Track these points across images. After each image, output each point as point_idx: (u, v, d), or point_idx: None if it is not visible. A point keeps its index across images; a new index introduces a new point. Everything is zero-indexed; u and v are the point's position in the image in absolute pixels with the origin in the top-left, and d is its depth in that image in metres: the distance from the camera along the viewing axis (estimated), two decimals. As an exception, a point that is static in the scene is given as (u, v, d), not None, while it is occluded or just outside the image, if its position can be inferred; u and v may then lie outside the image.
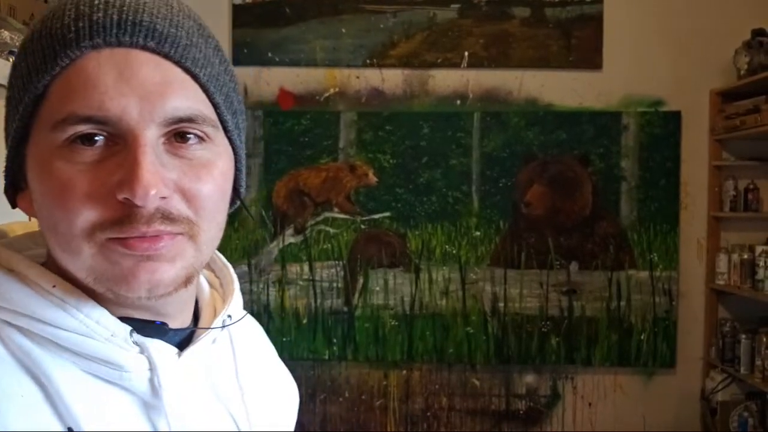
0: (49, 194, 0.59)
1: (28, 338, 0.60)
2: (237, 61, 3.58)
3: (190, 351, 0.67)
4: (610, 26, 3.53)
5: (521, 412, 3.61)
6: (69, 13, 0.59)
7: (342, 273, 3.59)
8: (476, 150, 3.56)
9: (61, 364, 0.60)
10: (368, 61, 3.59)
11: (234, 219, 3.55)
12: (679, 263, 3.53)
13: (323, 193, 3.58)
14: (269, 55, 3.58)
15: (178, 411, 0.63)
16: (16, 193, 0.65)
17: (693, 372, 3.56)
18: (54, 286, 0.61)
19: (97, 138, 0.58)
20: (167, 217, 0.59)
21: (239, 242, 3.57)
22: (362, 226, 3.58)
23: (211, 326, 0.70)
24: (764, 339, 3.11)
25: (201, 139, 0.62)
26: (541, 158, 3.53)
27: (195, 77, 0.61)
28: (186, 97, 0.60)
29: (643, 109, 3.53)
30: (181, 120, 0.60)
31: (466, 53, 3.57)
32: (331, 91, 3.61)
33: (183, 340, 0.68)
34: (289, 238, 3.60)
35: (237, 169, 0.68)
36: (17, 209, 0.67)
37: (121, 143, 0.58)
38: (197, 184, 0.61)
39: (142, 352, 0.63)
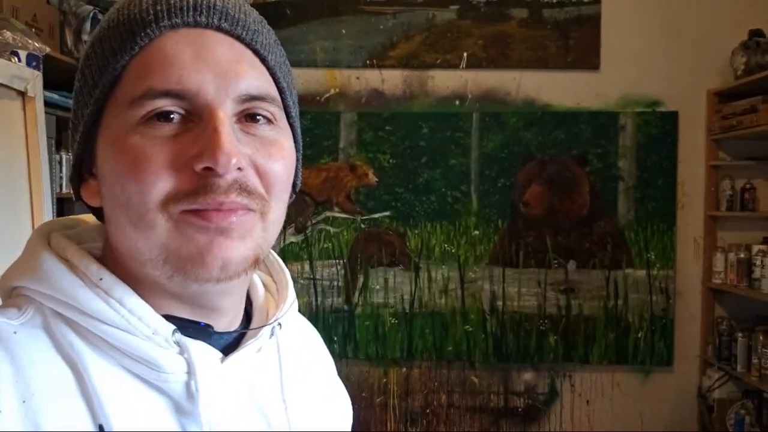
0: (123, 169, 0.59)
1: (72, 329, 0.60)
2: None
3: (234, 357, 0.64)
4: (608, 27, 3.55)
5: (520, 409, 3.63)
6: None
7: (342, 272, 3.61)
8: (475, 150, 3.58)
9: (100, 357, 0.60)
10: (368, 61, 3.62)
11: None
12: (676, 262, 3.55)
13: (324, 192, 3.61)
14: (270, 55, 3.60)
15: (214, 419, 0.60)
16: (80, 185, 0.66)
17: (690, 370, 3.58)
18: (101, 279, 0.61)
19: (173, 115, 0.59)
20: (244, 189, 0.59)
21: (240, 241, 3.59)
22: (362, 226, 3.61)
23: (259, 333, 0.67)
24: (761, 337, 3.14)
25: (269, 120, 0.63)
26: (539, 158, 3.55)
27: (263, 60, 0.63)
28: (257, 77, 0.62)
29: (640, 110, 3.55)
30: (253, 98, 0.61)
31: (465, 54, 3.60)
32: (332, 91, 3.64)
33: (228, 345, 0.66)
34: (290, 237, 3.62)
35: (296, 159, 0.68)
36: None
37: (196, 120, 0.59)
38: (269, 160, 0.62)
39: (182, 353, 0.61)
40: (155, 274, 0.60)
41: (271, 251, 0.74)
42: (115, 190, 0.60)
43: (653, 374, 3.59)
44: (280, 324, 0.69)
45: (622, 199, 3.55)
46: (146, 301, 0.61)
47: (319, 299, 3.61)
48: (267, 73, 0.63)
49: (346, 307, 3.61)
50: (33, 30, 2.34)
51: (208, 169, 0.57)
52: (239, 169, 0.59)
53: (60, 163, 2.51)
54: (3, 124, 2.00)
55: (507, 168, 3.57)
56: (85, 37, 2.59)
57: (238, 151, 0.58)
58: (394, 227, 3.60)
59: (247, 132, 0.61)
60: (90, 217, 0.70)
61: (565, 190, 3.55)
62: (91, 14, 2.61)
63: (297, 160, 0.68)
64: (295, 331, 0.76)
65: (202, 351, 0.61)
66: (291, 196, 0.69)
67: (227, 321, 0.66)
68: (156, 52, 0.59)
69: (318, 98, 3.63)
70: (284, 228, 3.56)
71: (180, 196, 0.58)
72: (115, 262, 0.63)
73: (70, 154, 0.65)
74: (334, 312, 3.61)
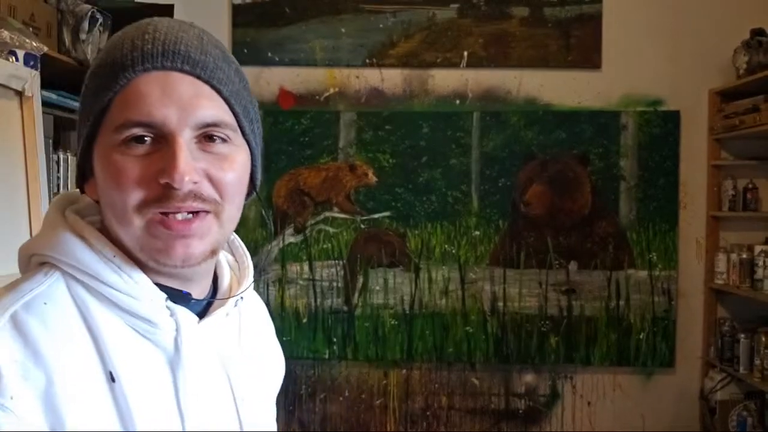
0: (109, 179, 0.77)
1: (89, 293, 0.78)
2: (237, 60, 3.58)
3: (207, 320, 0.84)
4: (609, 26, 3.54)
5: (520, 411, 3.62)
6: (126, 45, 0.77)
7: (342, 272, 3.60)
8: (476, 149, 3.56)
9: (110, 317, 0.78)
10: (368, 60, 3.60)
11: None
12: (678, 263, 3.53)
13: (323, 192, 3.59)
14: (269, 54, 3.59)
15: (192, 368, 0.80)
16: (84, 182, 0.84)
17: (692, 371, 3.57)
18: (114, 256, 0.79)
19: (146, 138, 0.76)
20: (198, 196, 0.77)
21: (239, 242, 3.57)
22: (362, 226, 3.59)
23: (225, 303, 0.88)
24: (763, 338, 3.12)
25: (224, 139, 0.79)
26: (541, 158, 3.54)
27: (219, 92, 0.79)
28: (212, 108, 0.78)
29: (642, 109, 3.53)
30: (208, 125, 0.78)
31: (466, 53, 3.58)
32: (331, 90, 3.62)
33: (201, 312, 0.85)
34: (289, 237, 3.60)
35: (253, 165, 0.86)
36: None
37: (163, 142, 0.76)
38: (221, 172, 0.78)
39: (171, 315, 0.80)
40: (138, 256, 0.79)
41: (237, 237, 0.94)
42: (104, 194, 0.79)
43: (655, 375, 3.57)
44: (242, 297, 0.90)
45: (623, 199, 3.54)
46: (143, 271, 0.79)
47: (319, 300, 3.59)
48: (223, 102, 0.79)
49: (345, 308, 3.59)
50: (30, 29, 2.31)
51: (168, 183, 0.74)
52: (195, 182, 0.76)
53: (57, 162, 2.48)
54: (0, 124, 1.99)
55: (508, 168, 3.55)
56: (83, 36, 2.57)
57: (192, 170, 0.75)
58: (394, 227, 3.58)
59: (204, 150, 0.78)
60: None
61: (567, 190, 3.53)
62: (89, 13, 2.58)
63: (255, 165, 0.86)
64: (251, 303, 0.98)
65: (184, 314, 0.81)
66: (251, 194, 0.89)
67: (200, 290, 0.86)
68: (133, 91, 0.76)
69: (317, 97, 3.62)
70: (283, 228, 3.56)
71: (149, 201, 0.76)
72: (113, 240, 0.80)
73: (76, 154, 0.86)
74: (333, 313, 3.59)
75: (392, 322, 3.58)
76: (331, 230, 3.60)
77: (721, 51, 3.43)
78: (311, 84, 3.62)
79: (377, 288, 3.59)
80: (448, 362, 3.60)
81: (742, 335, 3.26)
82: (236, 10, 3.59)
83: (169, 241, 0.76)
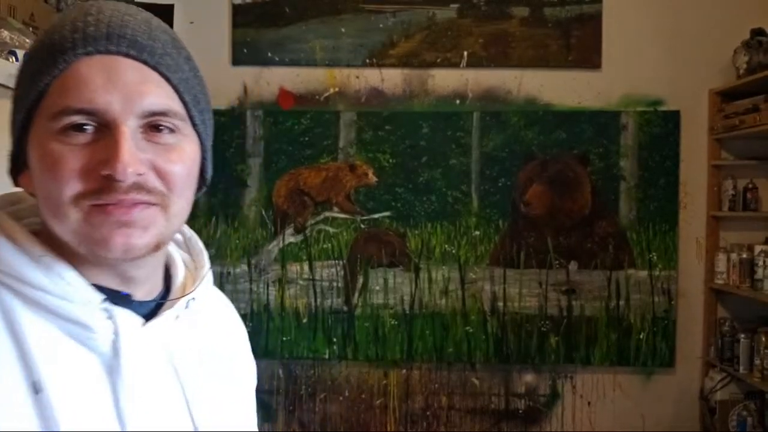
0: (45, 169, 0.71)
1: (16, 297, 0.72)
2: (237, 60, 3.59)
3: (153, 323, 0.78)
4: (609, 26, 3.54)
5: (521, 411, 3.62)
6: (67, 27, 0.72)
7: (342, 272, 3.60)
8: (476, 149, 3.56)
9: (40, 322, 0.72)
10: (368, 60, 3.60)
11: (234, 219, 3.56)
12: (678, 263, 3.53)
13: (323, 192, 3.59)
14: (269, 54, 3.59)
15: (134, 372, 0.74)
16: (18, 174, 0.78)
17: (692, 371, 3.57)
18: (42, 256, 0.73)
19: (86, 127, 0.71)
20: (143, 188, 0.72)
21: (239, 242, 3.58)
22: (362, 226, 3.59)
23: (176, 304, 0.81)
24: (763, 338, 3.12)
25: (171, 130, 0.75)
26: (541, 158, 3.54)
27: (168, 80, 0.74)
28: (160, 96, 0.73)
29: (642, 109, 3.53)
30: (155, 113, 0.73)
31: (466, 53, 3.58)
32: (331, 90, 3.62)
33: (150, 313, 0.80)
34: (289, 237, 3.61)
35: (203, 158, 0.81)
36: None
37: (106, 131, 0.70)
38: (168, 164, 0.74)
39: (109, 317, 0.74)
40: (78, 250, 0.73)
41: (194, 234, 0.90)
42: (40, 186, 0.73)
43: (655, 375, 3.57)
44: (194, 298, 0.83)
45: (623, 199, 3.54)
46: (80, 271, 0.74)
47: (319, 300, 3.59)
48: (171, 90, 0.75)
49: (345, 308, 3.59)
50: (30, 29, 2.32)
51: (109, 174, 0.69)
52: (139, 174, 0.71)
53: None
54: (1, 124, 1.98)
55: (508, 168, 3.55)
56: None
57: (136, 161, 0.70)
58: (394, 227, 3.58)
59: (150, 140, 0.73)
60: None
61: (567, 190, 3.53)
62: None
63: (205, 158, 0.81)
64: (211, 304, 0.91)
65: (125, 316, 0.75)
66: (201, 189, 0.83)
67: (145, 290, 0.80)
68: (72, 75, 0.71)
69: (317, 97, 3.62)
70: (283, 228, 3.56)
71: (88, 194, 0.70)
72: (52, 237, 0.74)
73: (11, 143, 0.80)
74: (333, 313, 3.59)
75: (392, 322, 3.58)
76: (331, 230, 3.60)
77: (721, 51, 3.43)
78: (311, 84, 3.62)
79: (377, 288, 3.59)
80: (448, 362, 3.60)
81: (742, 335, 3.26)
82: (236, 10, 3.59)
83: (109, 229, 0.71)
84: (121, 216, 0.71)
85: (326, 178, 3.59)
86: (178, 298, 0.82)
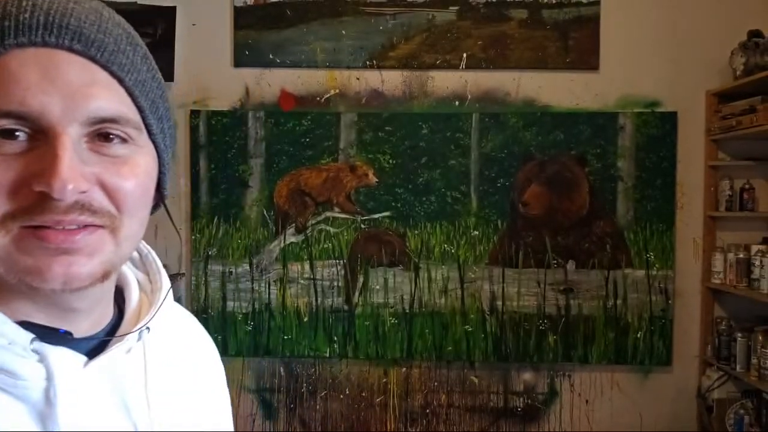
0: None
1: None
2: (239, 62, 3.62)
3: (97, 362, 0.65)
4: (607, 27, 3.56)
5: (519, 409, 3.64)
6: None
7: (342, 272, 3.62)
8: (475, 150, 3.59)
9: None
10: (368, 62, 3.63)
11: (236, 219, 3.59)
12: (675, 262, 3.56)
13: (324, 192, 3.62)
14: (270, 56, 3.62)
15: (72, 423, 0.62)
16: None
17: (689, 370, 3.59)
18: None
19: (18, 133, 0.59)
20: (87, 208, 0.60)
21: (241, 241, 3.61)
22: (362, 226, 3.62)
23: (127, 337, 0.68)
24: (760, 337, 3.14)
25: (123, 139, 0.63)
26: (539, 158, 3.56)
27: (120, 81, 0.63)
28: (110, 99, 0.61)
29: (639, 110, 3.56)
30: (104, 120, 0.61)
31: (465, 55, 3.60)
32: (332, 92, 3.65)
33: (97, 348, 0.67)
34: (290, 237, 3.63)
35: (161, 172, 0.69)
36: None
37: (42, 139, 0.59)
38: (119, 179, 0.62)
39: (41, 360, 0.61)
40: (6, 279, 0.61)
41: (151, 251, 0.77)
42: None
43: (652, 374, 3.60)
44: (148, 328, 0.70)
45: (621, 200, 3.56)
46: (5, 306, 0.62)
47: (319, 299, 3.62)
48: (124, 94, 0.63)
49: (346, 307, 3.62)
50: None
51: (43, 191, 0.58)
52: (82, 192, 0.59)
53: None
54: None
55: (506, 168, 3.58)
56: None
57: (77, 176, 0.58)
58: (394, 227, 3.61)
59: (97, 151, 0.61)
60: None
61: (565, 191, 3.56)
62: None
63: (163, 173, 0.69)
64: (171, 331, 0.77)
65: (62, 357, 0.62)
66: (157, 207, 0.71)
67: (89, 323, 0.68)
68: (1, 71, 0.58)
69: (318, 99, 3.65)
70: (284, 228, 3.59)
71: (17, 213, 0.58)
72: None
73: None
74: (334, 312, 3.62)
75: (392, 321, 3.61)
76: (332, 230, 3.63)
77: (718, 52, 3.46)
78: (312, 85, 3.65)
79: (377, 287, 3.62)
80: (448, 360, 3.63)
81: (739, 334, 3.29)
82: (238, 12, 3.62)
83: (45, 257, 0.59)
84: (60, 243, 0.59)
85: (327, 179, 3.62)
86: (125, 334, 0.69)
